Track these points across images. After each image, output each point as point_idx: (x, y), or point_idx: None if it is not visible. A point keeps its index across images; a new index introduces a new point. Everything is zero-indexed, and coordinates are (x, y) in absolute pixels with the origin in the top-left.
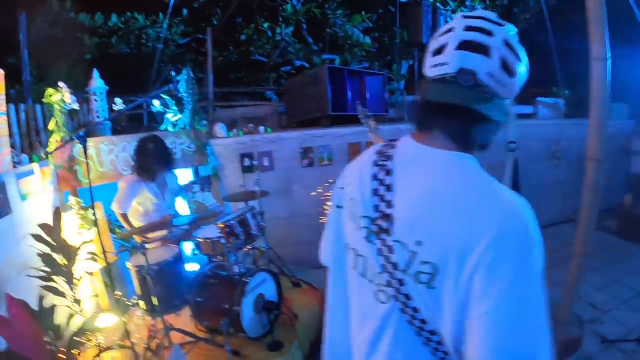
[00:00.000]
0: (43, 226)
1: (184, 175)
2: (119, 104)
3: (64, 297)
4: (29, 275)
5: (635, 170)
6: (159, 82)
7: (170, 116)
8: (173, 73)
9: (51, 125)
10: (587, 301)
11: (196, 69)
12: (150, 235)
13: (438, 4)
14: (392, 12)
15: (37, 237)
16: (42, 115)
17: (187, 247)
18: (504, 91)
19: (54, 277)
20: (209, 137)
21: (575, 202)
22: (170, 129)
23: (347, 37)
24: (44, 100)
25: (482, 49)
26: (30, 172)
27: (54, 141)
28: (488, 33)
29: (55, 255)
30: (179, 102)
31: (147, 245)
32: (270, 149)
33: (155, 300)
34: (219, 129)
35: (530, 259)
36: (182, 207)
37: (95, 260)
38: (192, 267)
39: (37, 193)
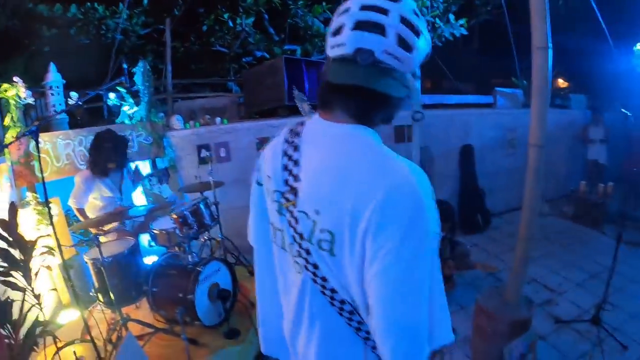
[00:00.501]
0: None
1: (141, 168)
2: (74, 97)
3: (23, 292)
4: None
5: (591, 157)
6: (116, 74)
7: (127, 109)
8: (125, 66)
9: (6, 121)
10: (542, 284)
11: (157, 60)
12: (106, 227)
13: None
14: None
15: None
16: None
17: (145, 239)
18: (402, 66)
19: (12, 272)
20: (166, 130)
21: None
22: (126, 121)
23: (308, 28)
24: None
25: (377, 28)
26: None
27: (10, 137)
28: (383, 11)
29: (12, 251)
30: (135, 94)
31: (103, 238)
32: (227, 139)
33: (112, 293)
34: (176, 121)
35: (420, 223)
36: (140, 199)
37: (52, 254)
38: (151, 259)
39: None
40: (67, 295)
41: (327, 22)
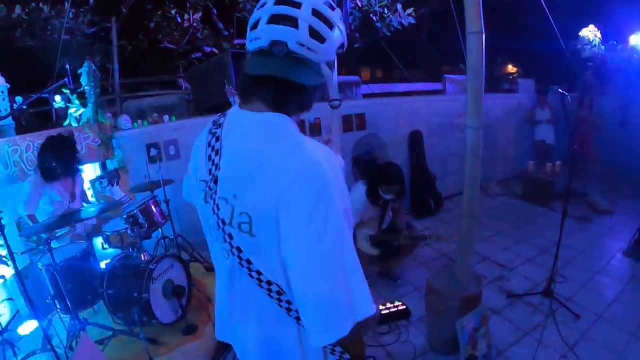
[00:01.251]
0: None
1: (90, 170)
2: (19, 102)
3: None
4: None
5: (538, 138)
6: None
7: (73, 111)
8: (67, 67)
9: None
10: (494, 261)
11: (105, 59)
12: (57, 233)
13: None
14: None
15: None
16: None
17: (98, 242)
18: (316, 56)
19: None
20: (114, 130)
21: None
22: (74, 123)
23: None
24: None
25: (289, 20)
26: None
27: None
28: (295, 5)
29: None
30: (81, 96)
31: (55, 244)
32: (176, 137)
33: (67, 298)
34: (124, 121)
35: (325, 199)
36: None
37: (6, 264)
38: (105, 262)
39: None
40: (23, 305)
41: None
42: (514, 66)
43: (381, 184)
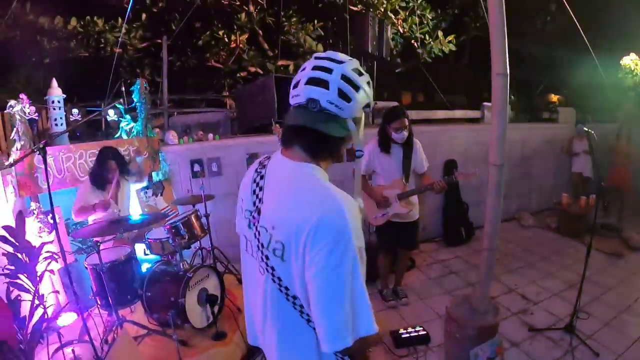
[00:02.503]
0: (7, 228)
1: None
2: (75, 114)
3: (29, 292)
4: None
5: (575, 170)
6: (116, 90)
7: (125, 124)
8: (123, 89)
9: (12, 135)
10: (520, 293)
11: (154, 73)
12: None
13: (389, 13)
14: (345, 19)
15: (2, 239)
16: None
17: (140, 248)
18: (343, 113)
19: (19, 274)
20: (161, 145)
21: (514, 202)
22: (124, 136)
23: (300, 45)
24: (7, 111)
25: (322, 83)
26: None
27: (14, 150)
28: (328, 70)
29: (19, 255)
30: (132, 110)
31: (102, 246)
32: (219, 155)
33: (109, 296)
34: (171, 136)
35: (343, 240)
36: (135, 211)
37: (56, 260)
38: (145, 266)
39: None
40: (64, 298)
41: (319, 39)
42: (554, 95)
43: (390, 120)
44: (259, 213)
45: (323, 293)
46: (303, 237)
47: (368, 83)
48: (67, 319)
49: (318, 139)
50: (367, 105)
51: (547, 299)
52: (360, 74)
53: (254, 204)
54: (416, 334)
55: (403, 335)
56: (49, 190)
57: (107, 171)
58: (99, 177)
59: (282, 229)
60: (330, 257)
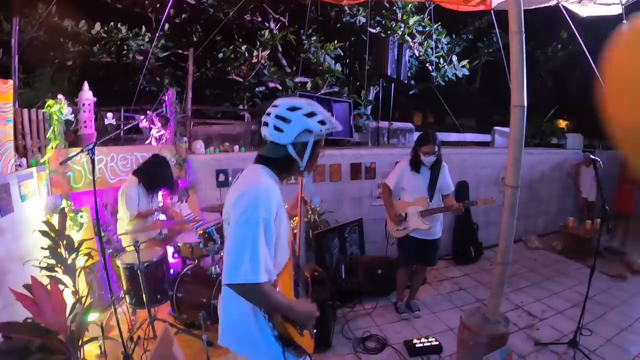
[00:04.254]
0: (47, 223)
1: None
2: (109, 118)
3: (67, 287)
4: (35, 266)
5: (581, 194)
6: (143, 96)
7: (156, 131)
8: (165, 99)
9: (49, 134)
10: (526, 310)
11: (174, 82)
12: (143, 237)
13: (406, 36)
14: (363, 40)
15: (44, 233)
16: (29, 120)
17: (169, 251)
18: (281, 140)
19: (57, 268)
20: (188, 153)
21: (521, 224)
22: (153, 143)
23: (319, 63)
24: (45, 110)
25: (265, 124)
26: (30, 176)
27: (50, 148)
28: (268, 114)
29: (59, 250)
30: (163, 118)
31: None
32: (243, 167)
33: (142, 294)
34: (199, 146)
35: (250, 209)
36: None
37: (92, 256)
38: (173, 268)
39: (34, 195)
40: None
41: (337, 58)
42: (563, 120)
43: (421, 144)
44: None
45: (230, 240)
46: (233, 203)
47: (308, 114)
48: (91, 315)
49: (267, 159)
50: (308, 131)
51: (552, 316)
52: (294, 109)
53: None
54: (429, 344)
55: (417, 345)
56: (94, 189)
57: (168, 179)
58: (153, 182)
59: (229, 201)
60: (240, 217)
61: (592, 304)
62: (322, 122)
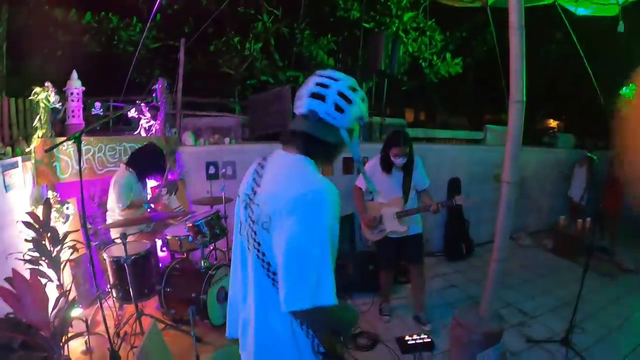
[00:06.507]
0: (32, 215)
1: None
2: (97, 108)
3: (51, 280)
4: (18, 259)
5: (571, 195)
6: (132, 87)
7: (145, 122)
8: (156, 87)
9: (35, 122)
10: (517, 308)
11: (164, 74)
12: (131, 229)
13: (401, 33)
14: (357, 35)
15: (28, 224)
16: (16, 109)
17: (158, 244)
18: (337, 122)
19: (41, 261)
20: (178, 144)
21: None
22: (142, 133)
23: (312, 57)
24: (31, 97)
25: (321, 97)
26: (15, 165)
27: (36, 137)
28: (326, 87)
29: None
30: (153, 109)
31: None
32: (234, 159)
33: (129, 289)
34: (188, 137)
35: (314, 216)
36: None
37: (77, 249)
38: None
39: (19, 185)
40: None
41: (330, 53)
42: (554, 120)
43: (391, 146)
44: (255, 194)
45: (291, 256)
46: (285, 208)
47: (362, 99)
48: (76, 310)
49: (313, 141)
50: (361, 118)
51: (543, 314)
52: (355, 90)
53: (252, 188)
54: (421, 340)
55: (409, 342)
56: (80, 180)
57: (162, 168)
58: (145, 171)
59: (271, 203)
60: (303, 226)
61: (582, 302)
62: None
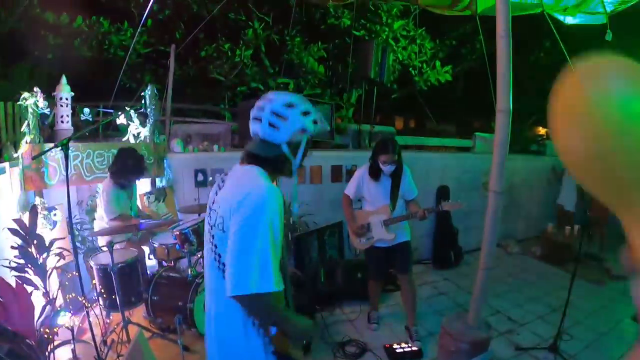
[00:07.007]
0: (18, 221)
1: (142, 186)
2: (86, 114)
3: (37, 288)
4: (4, 266)
5: (559, 202)
6: (122, 92)
7: (133, 128)
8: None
9: (22, 128)
10: (506, 315)
11: (154, 80)
12: (119, 237)
13: (391, 41)
14: (347, 43)
15: (14, 231)
16: (5, 113)
17: (145, 252)
18: (276, 139)
19: (27, 269)
20: (167, 151)
21: (501, 229)
22: (131, 140)
23: (302, 65)
24: (20, 102)
25: (258, 119)
26: (2, 171)
27: (24, 142)
28: (262, 109)
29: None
30: (142, 115)
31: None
32: (223, 167)
33: (116, 297)
34: (176, 145)
35: (259, 212)
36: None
37: (64, 256)
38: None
39: (6, 191)
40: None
41: (321, 60)
42: (543, 128)
43: (380, 153)
44: (214, 203)
45: (236, 246)
46: (235, 206)
47: (303, 113)
48: (64, 318)
49: (260, 159)
50: (304, 130)
51: (532, 321)
52: (292, 106)
53: (213, 199)
54: (410, 349)
55: (397, 350)
56: (67, 186)
57: (139, 173)
58: (126, 178)
59: (224, 205)
60: (247, 220)
61: (571, 309)
62: (315, 122)
